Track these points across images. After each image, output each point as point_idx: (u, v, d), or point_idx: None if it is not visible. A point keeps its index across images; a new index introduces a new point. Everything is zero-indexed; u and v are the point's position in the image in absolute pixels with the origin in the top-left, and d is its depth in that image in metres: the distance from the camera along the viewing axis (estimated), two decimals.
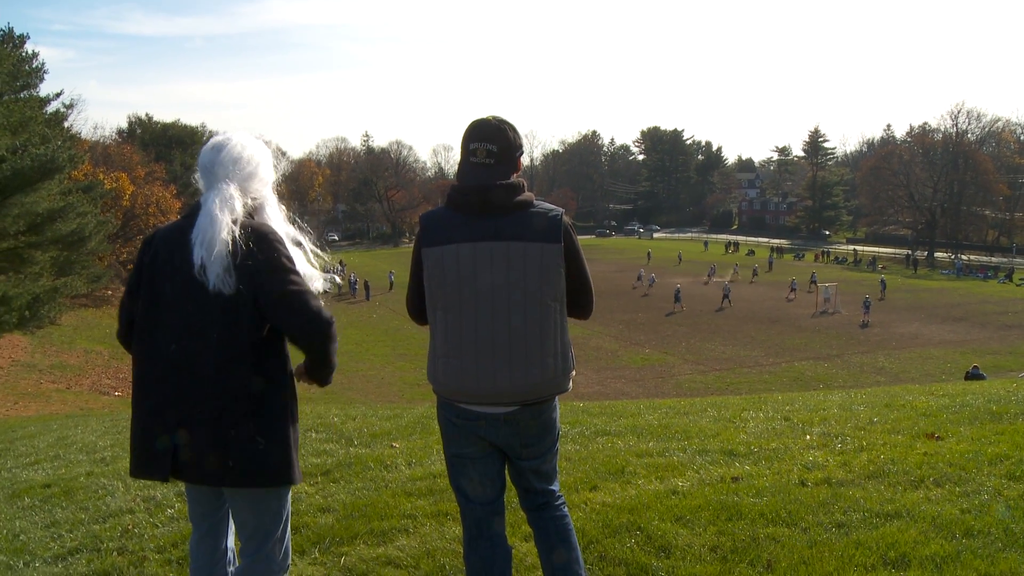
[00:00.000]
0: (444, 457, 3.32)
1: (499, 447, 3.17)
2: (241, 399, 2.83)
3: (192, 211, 2.95)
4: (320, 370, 2.99)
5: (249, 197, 2.99)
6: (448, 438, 3.22)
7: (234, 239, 2.80)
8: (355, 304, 55.77)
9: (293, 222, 3.21)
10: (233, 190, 2.92)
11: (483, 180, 3.01)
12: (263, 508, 3.01)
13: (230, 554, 3.22)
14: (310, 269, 3.14)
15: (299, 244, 3.16)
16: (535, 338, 2.99)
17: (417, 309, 3.21)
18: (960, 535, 3.98)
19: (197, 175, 3.04)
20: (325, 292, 3.22)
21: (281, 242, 2.93)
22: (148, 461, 2.94)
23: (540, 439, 3.18)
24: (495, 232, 2.97)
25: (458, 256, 2.97)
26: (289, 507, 3.12)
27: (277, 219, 3.11)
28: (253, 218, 2.95)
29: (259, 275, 2.81)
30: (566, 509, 3.33)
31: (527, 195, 3.06)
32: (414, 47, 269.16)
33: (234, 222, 2.84)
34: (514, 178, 3.06)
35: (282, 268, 2.86)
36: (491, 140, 3.04)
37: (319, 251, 3.26)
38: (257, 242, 2.83)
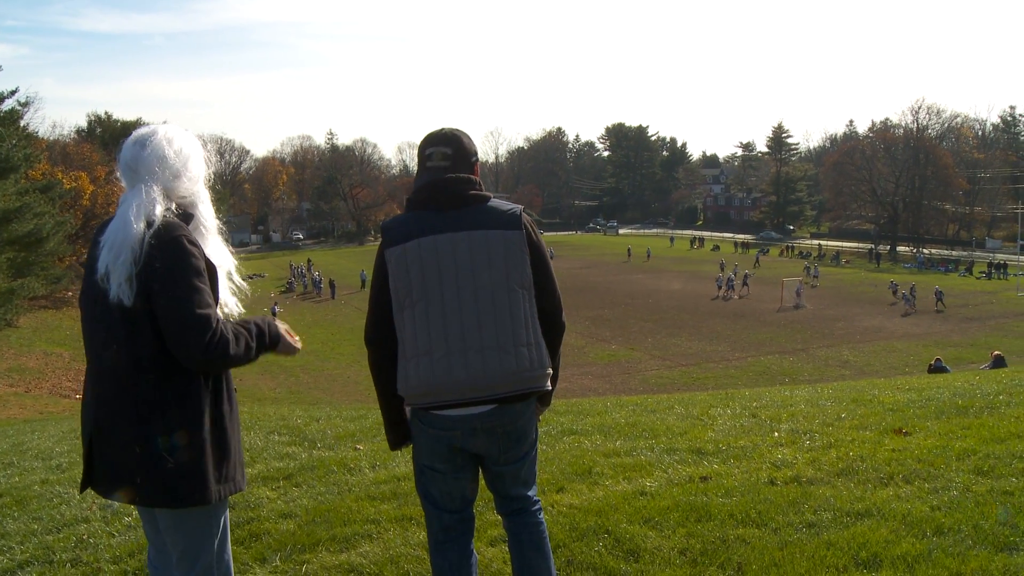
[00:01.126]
0: (413, 463, 3.22)
1: (475, 455, 3.10)
2: (147, 415, 2.66)
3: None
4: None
5: (176, 197, 2.78)
6: (420, 448, 3.11)
7: (142, 247, 2.60)
8: (321, 303, 55.44)
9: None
10: (156, 192, 2.70)
11: (443, 177, 3.03)
12: (185, 529, 2.83)
13: None
14: (227, 294, 2.97)
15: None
16: (506, 325, 2.94)
17: (378, 328, 3.05)
18: (931, 533, 3.94)
19: (118, 172, 2.81)
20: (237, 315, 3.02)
21: (185, 250, 2.65)
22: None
23: (519, 443, 3.11)
24: (455, 223, 2.97)
25: (420, 249, 2.93)
26: (220, 527, 2.91)
27: (210, 219, 2.90)
28: (179, 219, 2.73)
29: (155, 284, 2.60)
30: (542, 516, 3.27)
31: (484, 192, 3.07)
32: (378, 44, 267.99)
33: (149, 226, 2.63)
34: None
35: (178, 278, 2.61)
36: (446, 144, 3.09)
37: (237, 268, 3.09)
38: (161, 250, 2.60)
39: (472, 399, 2.94)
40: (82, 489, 2.84)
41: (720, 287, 54.14)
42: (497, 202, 3.07)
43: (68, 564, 4.42)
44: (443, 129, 3.15)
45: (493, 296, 2.94)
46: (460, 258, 2.94)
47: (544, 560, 3.17)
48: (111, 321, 2.66)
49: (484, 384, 2.92)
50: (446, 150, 3.07)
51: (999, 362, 21.10)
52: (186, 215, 2.81)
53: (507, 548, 3.42)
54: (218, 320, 2.64)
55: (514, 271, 2.97)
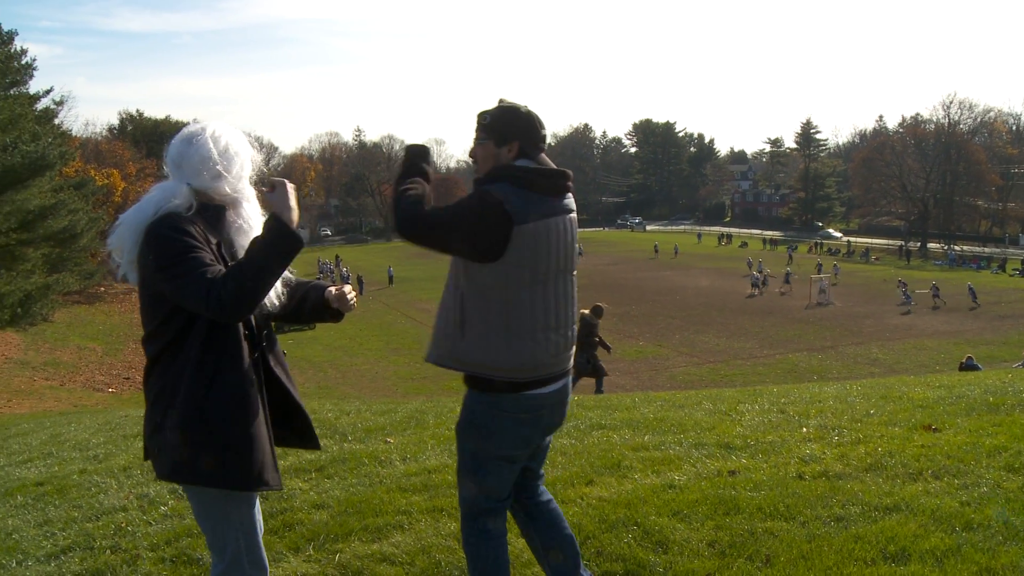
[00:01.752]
0: (476, 459, 3.16)
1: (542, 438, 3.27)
2: (160, 390, 2.79)
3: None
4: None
5: (218, 194, 2.84)
6: (502, 439, 3.10)
7: (141, 235, 2.72)
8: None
9: None
10: (181, 187, 2.78)
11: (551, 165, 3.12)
12: (199, 511, 2.97)
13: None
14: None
15: None
16: (574, 306, 3.20)
17: (443, 240, 2.97)
18: (960, 528, 3.95)
19: (167, 167, 2.88)
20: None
21: (168, 238, 2.67)
22: None
23: (564, 419, 3.37)
24: (569, 208, 3.12)
25: (553, 230, 3.01)
26: (242, 519, 2.96)
27: (255, 216, 2.96)
28: (193, 213, 2.77)
29: (150, 273, 2.71)
30: None
31: None
32: (405, 41, 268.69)
33: (155, 215, 2.72)
34: None
35: (167, 264, 2.65)
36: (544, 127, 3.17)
37: None
38: (148, 243, 2.69)
39: (560, 373, 3.14)
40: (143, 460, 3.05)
41: (755, 286, 53.79)
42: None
43: (108, 551, 4.53)
44: (526, 110, 3.14)
45: (573, 278, 3.18)
46: (566, 242, 3.07)
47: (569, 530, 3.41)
48: (140, 300, 2.83)
49: (563, 357, 3.13)
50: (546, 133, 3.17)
51: None
52: (217, 210, 2.87)
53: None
54: (212, 280, 2.60)
55: (575, 253, 3.19)
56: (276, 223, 2.74)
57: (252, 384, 2.85)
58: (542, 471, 3.40)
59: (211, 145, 2.82)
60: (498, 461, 3.13)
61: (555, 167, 3.10)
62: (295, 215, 2.79)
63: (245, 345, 2.86)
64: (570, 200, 3.13)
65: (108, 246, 2.84)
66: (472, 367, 3.03)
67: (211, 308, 2.58)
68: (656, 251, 79.59)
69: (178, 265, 2.63)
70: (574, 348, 3.20)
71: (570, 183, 3.12)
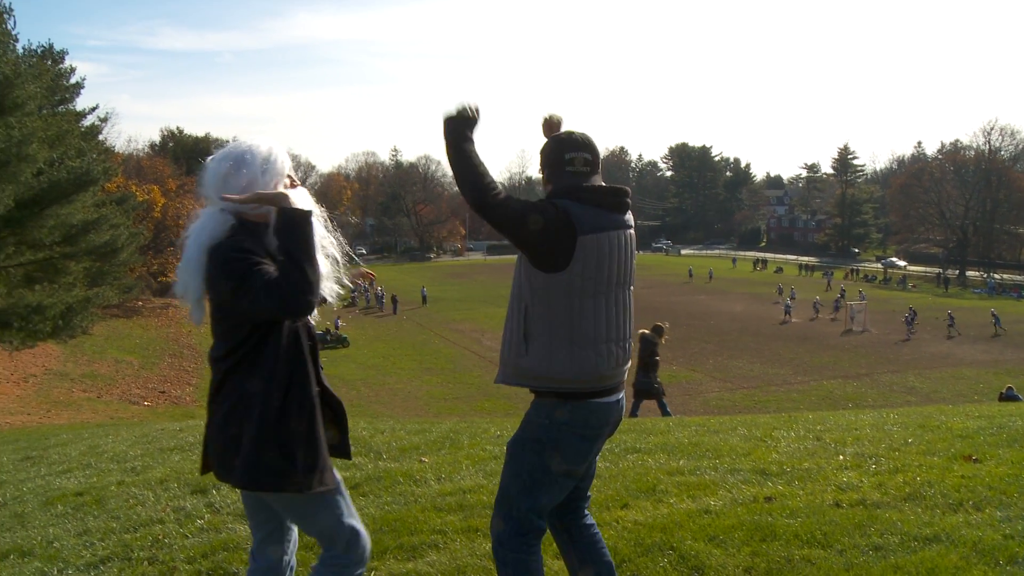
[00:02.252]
0: (534, 474, 3.13)
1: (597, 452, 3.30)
2: (237, 401, 2.87)
3: None
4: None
5: (256, 212, 2.91)
6: (565, 450, 3.10)
7: (208, 257, 2.82)
8: (383, 318, 55.96)
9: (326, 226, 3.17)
10: (216, 222, 2.88)
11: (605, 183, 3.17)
12: (293, 514, 3.10)
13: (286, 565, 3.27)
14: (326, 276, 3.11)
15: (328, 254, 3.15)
16: (632, 317, 3.27)
17: (514, 216, 3.00)
18: (1004, 562, 3.89)
19: (202, 186, 2.96)
20: (326, 301, 3.19)
21: (230, 259, 2.77)
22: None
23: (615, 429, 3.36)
24: (628, 223, 3.18)
25: (615, 243, 3.07)
26: (329, 511, 3.06)
27: (306, 200, 3.02)
28: (245, 231, 2.87)
29: (225, 296, 2.81)
30: None
31: None
32: (442, 63, 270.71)
33: (202, 253, 2.84)
34: None
35: (238, 283, 2.73)
36: (587, 150, 3.16)
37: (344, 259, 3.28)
38: (214, 266, 2.80)
39: (618, 385, 3.19)
40: (201, 473, 3.17)
41: (787, 313, 53.32)
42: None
43: (145, 562, 4.58)
44: (580, 133, 3.20)
45: (631, 293, 3.23)
46: (626, 257, 3.14)
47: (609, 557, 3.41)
48: (212, 315, 2.95)
49: (622, 370, 3.19)
50: (587, 155, 3.14)
51: None
52: (257, 226, 2.92)
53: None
54: (280, 283, 2.70)
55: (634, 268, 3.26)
56: (281, 214, 2.81)
57: (316, 391, 2.99)
58: (589, 492, 3.42)
59: (251, 161, 2.92)
60: (558, 476, 3.13)
61: (610, 185, 3.16)
62: (288, 197, 2.84)
63: (308, 355, 2.98)
64: (629, 216, 3.20)
65: (176, 294, 2.94)
66: (537, 380, 3.07)
67: (290, 307, 2.69)
68: (691, 275, 79.25)
69: (248, 279, 2.71)
70: (629, 363, 3.22)
71: (628, 199, 3.18)
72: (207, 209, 2.94)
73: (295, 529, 3.28)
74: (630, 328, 3.21)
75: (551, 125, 3.29)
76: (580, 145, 3.13)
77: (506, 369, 3.15)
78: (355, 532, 3.09)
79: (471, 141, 3.07)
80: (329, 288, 3.15)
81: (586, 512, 3.41)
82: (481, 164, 3.03)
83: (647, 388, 15.22)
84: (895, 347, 42.67)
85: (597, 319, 3.04)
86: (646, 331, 15.26)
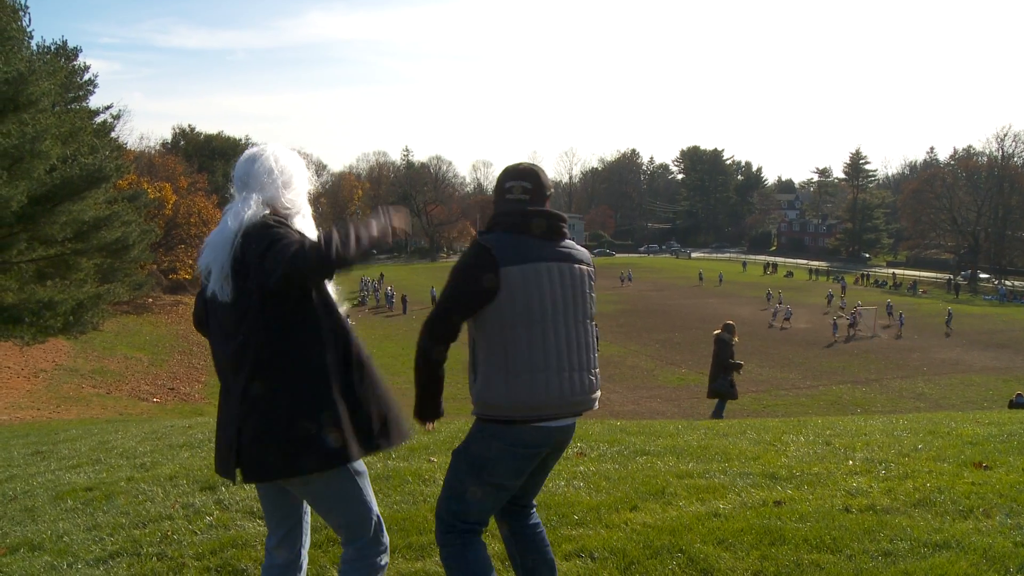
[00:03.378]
0: (464, 483, 3.25)
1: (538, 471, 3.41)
2: (275, 389, 2.94)
3: None
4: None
5: (280, 207, 3.07)
6: (496, 467, 3.21)
7: (234, 243, 2.91)
8: (392, 317, 56.06)
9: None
10: (253, 199, 3.00)
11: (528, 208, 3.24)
12: (335, 494, 3.14)
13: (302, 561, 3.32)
14: (332, 293, 3.21)
15: None
16: (590, 350, 3.28)
17: (453, 330, 3.21)
18: (1015, 569, 3.87)
19: (232, 188, 3.14)
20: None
21: (271, 227, 2.93)
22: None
23: (560, 455, 3.49)
24: (559, 255, 3.21)
25: (539, 274, 3.12)
26: (363, 490, 3.16)
27: (309, 228, 3.17)
28: (276, 225, 2.97)
29: (259, 265, 2.86)
30: None
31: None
32: (455, 64, 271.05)
33: (241, 226, 2.93)
34: None
35: (271, 244, 2.85)
36: (525, 179, 3.27)
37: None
38: (250, 237, 2.90)
39: (566, 413, 3.21)
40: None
41: (775, 316, 53.29)
42: (569, 237, 3.32)
43: (154, 558, 4.59)
44: (523, 164, 3.34)
45: (584, 325, 3.26)
46: (566, 287, 3.18)
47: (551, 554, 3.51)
48: (224, 315, 3.01)
49: (573, 400, 3.19)
50: (526, 184, 3.25)
51: None
52: (284, 222, 3.05)
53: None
54: (284, 242, 2.84)
55: (591, 304, 3.31)
56: (383, 216, 2.97)
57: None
58: (534, 502, 3.53)
59: (272, 162, 3.10)
60: (487, 488, 3.23)
61: (543, 209, 3.25)
62: (386, 229, 2.97)
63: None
64: (572, 250, 3.27)
65: (200, 266, 3.04)
66: (480, 408, 3.22)
67: (327, 255, 2.73)
68: (701, 279, 79.01)
69: (282, 239, 2.84)
70: (589, 394, 3.26)
71: (561, 223, 3.27)
72: (233, 204, 3.06)
73: (308, 529, 3.36)
74: (584, 358, 3.24)
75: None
76: (520, 175, 3.27)
77: (472, 400, 3.29)
78: (380, 518, 3.20)
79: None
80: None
81: (531, 513, 3.51)
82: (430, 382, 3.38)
83: (725, 390, 15.14)
84: (904, 353, 42.50)
85: (532, 349, 3.11)
86: (718, 331, 15.29)
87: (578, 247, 3.32)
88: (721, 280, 78.28)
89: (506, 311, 3.09)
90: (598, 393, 3.32)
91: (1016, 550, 4.10)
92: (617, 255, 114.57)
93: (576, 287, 3.21)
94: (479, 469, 3.22)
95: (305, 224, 3.16)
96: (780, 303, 56.30)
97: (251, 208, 2.97)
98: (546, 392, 3.11)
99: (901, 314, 51.78)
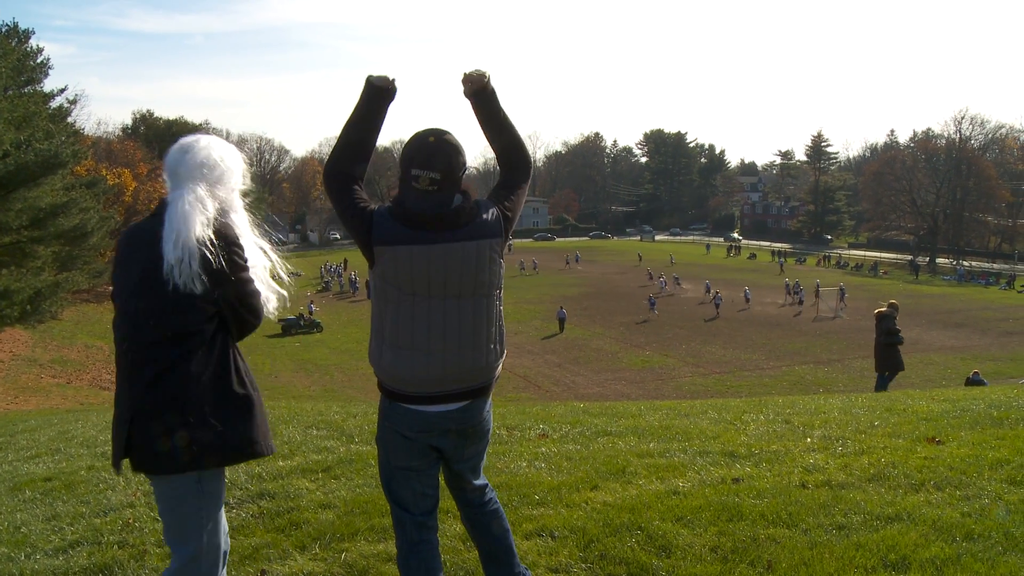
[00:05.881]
0: (384, 470, 3.27)
1: (442, 453, 3.24)
2: (181, 391, 2.86)
3: (159, 211, 2.94)
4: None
5: (216, 201, 2.98)
6: (392, 450, 3.19)
7: (207, 239, 2.82)
8: (357, 303, 55.84)
9: (259, 228, 3.20)
10: (202, 191, 2.91)
11: (433, 207, 3.01)
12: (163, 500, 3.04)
13: None
14: (267, 288, 3.13)
15: (264, 252, 3.18)
16: (480, 328, 3.10)
17: (344, 165, 3.19)
18: (960, 538, 3.98)
19: (164, 175, 3.03)
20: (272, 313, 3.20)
21: (239, 244, 2.96)
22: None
23: (481, 440, 3.31)
24: (450, 235, 3.01)
25: (413, 257, 2.98)
26: (194, 503, 2.97)
27: (243, 226, 3.08)
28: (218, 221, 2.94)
29: (221, 276, 2.84)
30: (495, 495, 3.52)
31: (472, 205, 3.08)
32: (417, 47, 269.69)
33: (206, 222, 2.85)
34: (457, 197, 3.07)
35: (241, 270, 2.92)
36: (433, 168, 3.00)
37: (282, 266, 3.26)
38: (221, 243, 2.85)
39: (443, 393, 3.08)
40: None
41: (655, 290, 56.36)
42: (481, 207, 3.10)
43: (115, 546, 4.57)
44: (431, 142, 3.04)
45: (473, 302, 3.07)
46: (451, 266, 3.00)
47: (509, 536, 3.48)
48: (158, 307, 2.85)
49: (455, 377, 3.08)
50: (434, 175, 2.99)
51: None
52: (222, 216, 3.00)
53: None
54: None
55: (493, 277, 3.10)
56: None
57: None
58: (477, 484, 3.40)
59: (206, 153, 2.99)
60: (396, 472, 3.21)
61: (430, 210, 3.00)
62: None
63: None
64: (464, 228, 3.02)
65: (171, 259, 2.81)
66: (376, 374, 3.18)
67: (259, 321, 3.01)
68: (672, 262, 79.42)
69: (250, 276, 2.96)
70: (472, 377, 3.12)
71: (457, 220, 3.01)
72: (179, 190, 2.94)
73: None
74: (471, 341, 3.08)
75: (471, 80, 3.18)
76: (429, 163, 2.99)
77: None
78: (222, 555, 3.04)
79: (371, 111, 3.15)
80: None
81: (483, 497, 3.43)
82: (353, 133, 3.16)
83: (897, 364, 15.69)
84: (866, 333, 42.92)
85: (400, 326, 3.04)
86: (882, 309, 15.91)
87: (484, 221, 3.06)
88: (672, 262, 79.11)
89: (379, 284, 3.07)
90: (493, 367, 3.17)
91: (963, 520, 4.20)
92: (581, 239, 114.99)
93: (469, 265, 3.01)
94: (385, 454, 3.23)
95: (239, 220, 3.07)
96: (708, 290, 57.22)
97: (207, 199, 2.91)
98: (425, 369, 3.02)
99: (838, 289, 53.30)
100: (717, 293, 52.63)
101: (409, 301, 3.02)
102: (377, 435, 3.27)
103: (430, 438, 3.13)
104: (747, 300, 53.40)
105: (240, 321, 2.96)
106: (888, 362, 15.79)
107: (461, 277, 3.02)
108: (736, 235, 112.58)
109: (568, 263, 78.33)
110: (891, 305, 16.12)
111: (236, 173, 3.07)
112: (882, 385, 15.71)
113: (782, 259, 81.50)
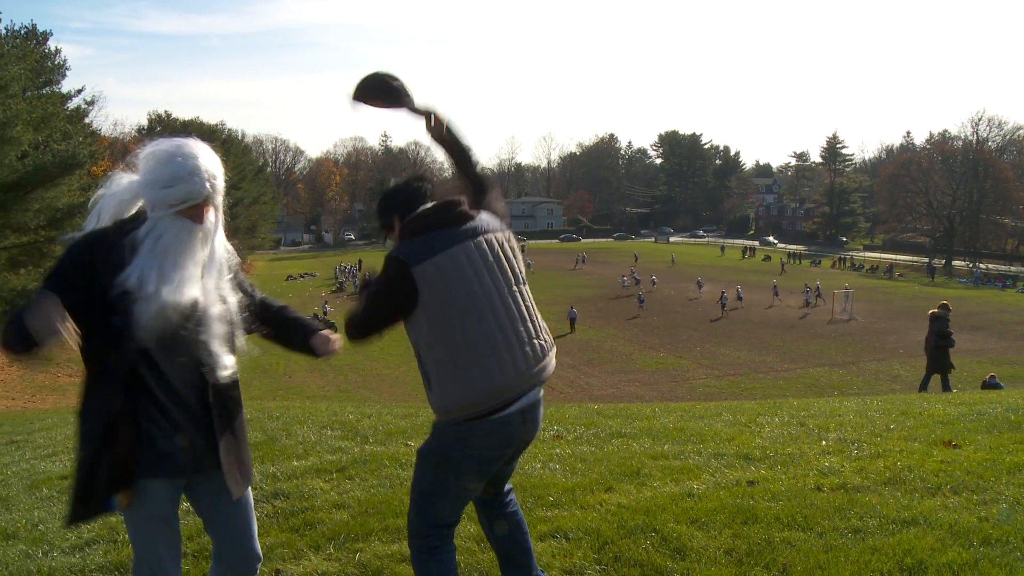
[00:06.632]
0: (432, 485, 3.18)
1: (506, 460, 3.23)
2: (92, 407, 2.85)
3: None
4: None
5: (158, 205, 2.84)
6: (465, 472, 3.12)
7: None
8: None
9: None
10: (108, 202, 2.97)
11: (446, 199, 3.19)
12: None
13: None
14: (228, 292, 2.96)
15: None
16: (532, 318, 3.16)
17: (374, 332, 3.18)
18: (978, 543, 3.95)
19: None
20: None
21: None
22: None
23: (537, 430, 3.28)
24: (474, 231, 3.09)
25: (466, 255, 3.02)
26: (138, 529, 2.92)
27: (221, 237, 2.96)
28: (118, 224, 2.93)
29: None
30: (515, 498, 3.54)
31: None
32: (431, 48, 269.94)
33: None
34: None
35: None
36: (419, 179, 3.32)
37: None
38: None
39: (526, 389, 3.08)
40: None
41: (626, 285, 60.16)
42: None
43: (130, 544, 4.57)
44: (390, 184, 3.33)
45: (518, 294, 3.12)
46: (488, 260, 3.06)
47: (528, 539, 3.49)
48: None
49: (530, 374, 3.07)
50: (423, 182, 3.32)
51: None
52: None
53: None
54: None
55: (518, 269, 3.19)
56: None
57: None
58: (507, 488, 3.45)
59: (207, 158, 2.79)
60: (455, 491, 3.17)
61: (443, 200, 3.17)
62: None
63: None
64: (481, 222, 3.13)
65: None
66: (442, 416, 3.09)
67: None
68: (673, 262, 79.76)
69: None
70: (545, 360, 3.15)
71: (462, 208, 3.13)
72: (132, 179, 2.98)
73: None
74: (528, 328, 3.11)
75: (437, 122, 3.37)
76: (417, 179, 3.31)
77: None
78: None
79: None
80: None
81: (508, 501, 3.45)
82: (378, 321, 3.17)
83: (947, 365, 15.94)
84: (881, 336, 42.87)
85: (473, 337, 2.98)
86: (935, 310, 15.96)
87: (491, 218, 3.19)
88: (673, 261, 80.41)
89: (433, 308, 2.98)
90: (551, 359, 3.19)
91: (980, 525, 4.18)
92: (595, 240, 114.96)
93: (502, 256, 3.10)
94: (444, 474, 3.13)
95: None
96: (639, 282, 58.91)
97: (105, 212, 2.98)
98: (500, 375, 2.98)
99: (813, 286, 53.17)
100: (723, 292, 52.71)
101: (471, 308, 2.99)
102: (437, 460, 3.15)
103: (508, 451, 3.14)
104: (740, 299, 54.23)
105: None
106: (939, 363, 15.91)
107: (503, 267, 3.09)
108: (772, 239, 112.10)
109: (576, 264, 79.24)
110: (943, 306, 16.15)
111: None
112: (946, 386, 15.86)
113: (784, 260, 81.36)
